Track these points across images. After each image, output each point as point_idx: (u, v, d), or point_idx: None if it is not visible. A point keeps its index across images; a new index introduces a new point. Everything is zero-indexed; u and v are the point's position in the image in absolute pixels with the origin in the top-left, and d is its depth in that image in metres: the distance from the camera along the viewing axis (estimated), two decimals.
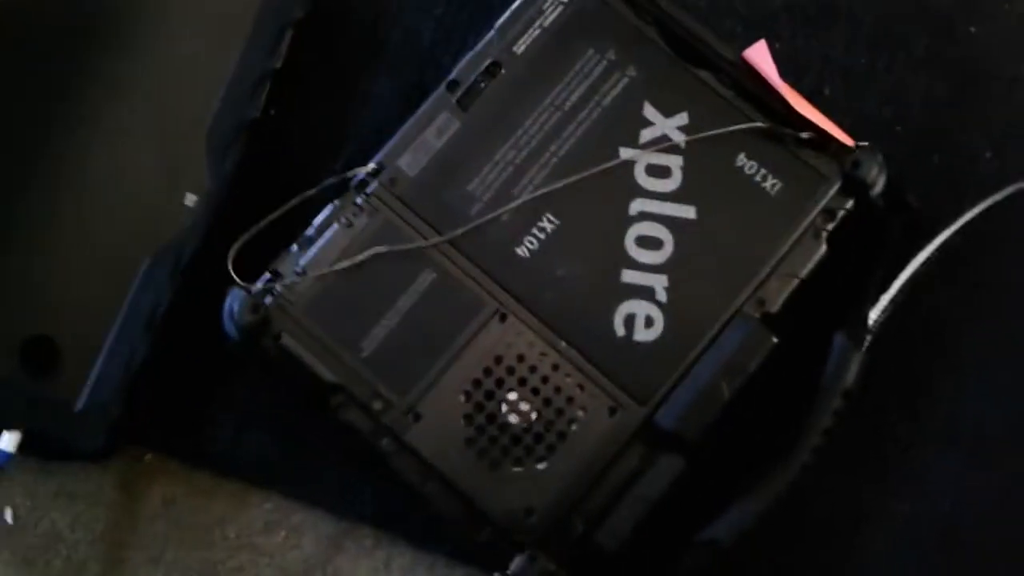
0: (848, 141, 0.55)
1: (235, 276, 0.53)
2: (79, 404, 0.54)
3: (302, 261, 0.53)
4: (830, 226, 0.54)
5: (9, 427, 0.55)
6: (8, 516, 0.58)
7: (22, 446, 0.55)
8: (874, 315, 0.53)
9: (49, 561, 0.58)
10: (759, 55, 0.55)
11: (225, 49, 0.58)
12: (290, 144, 0.62)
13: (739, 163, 0.55)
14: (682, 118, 0.55)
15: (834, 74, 0.62)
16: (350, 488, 0.59)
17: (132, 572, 0.58)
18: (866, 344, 0.53)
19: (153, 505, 0.59)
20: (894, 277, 0.54)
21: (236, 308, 0.52)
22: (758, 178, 0.54)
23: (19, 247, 0.56)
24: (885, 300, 0.54)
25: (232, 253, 0.53)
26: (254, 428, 0.59)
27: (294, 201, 0.55)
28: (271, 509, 0.59)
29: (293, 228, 0.55)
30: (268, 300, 0.53)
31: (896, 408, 0.58)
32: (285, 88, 0.60)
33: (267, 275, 0.54)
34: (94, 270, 0.56)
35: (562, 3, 0.56)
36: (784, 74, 0.56)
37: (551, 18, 0.56)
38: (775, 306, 0.54)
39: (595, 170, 0.54)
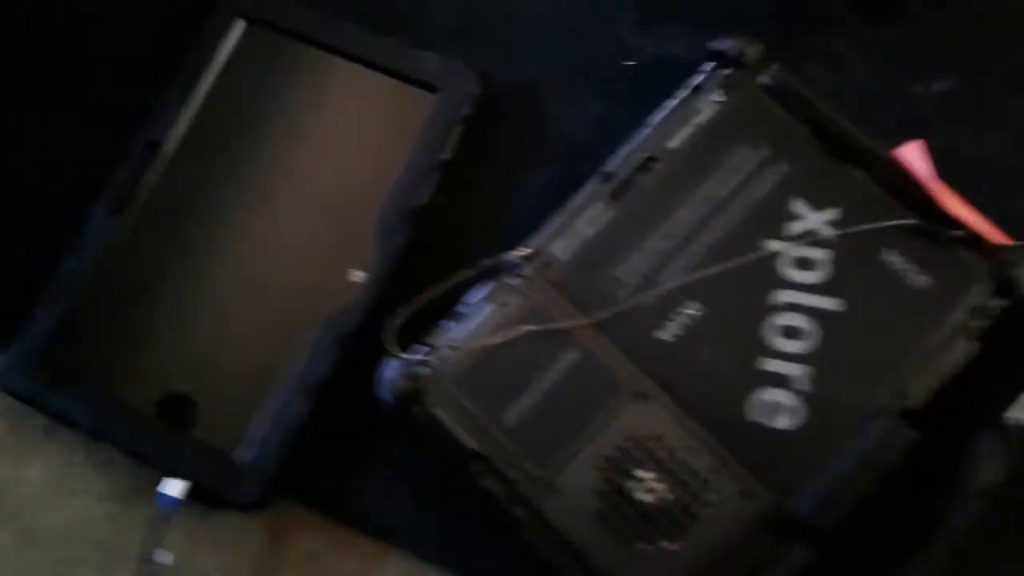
0: (1002, 240, 0.54)
1: (392, 346, 0.57)
2: (240, 456, 0.59)
3: (455, 336, 0.57)
4: (979, 324, 0.54)
5: (175, 474, 0.60)
6: (168, 558, 0.62)
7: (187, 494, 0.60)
8: (1020, 414, 0.51)
9: None
10: (912, 154, 0.56)
11: (400, 141, 0.64)
12: (450, 228, 0.65)
13: (888, 258, 0.55)
14: (832, 213, 0.56)
15: (990, 171, 0.62)
16: (484, 553, 0.60)
17: None
18: (1012, 444, 0.51)
19: (297, 557, 0.62)
20: None
21: (391, 376, 0.56)
22: (908, 273, 0.54)
23: (194, 311, 0.63)
24: None
25: (393, 324, 0.57)
26: (397, 492, 0.62)
27: (453, 280, 0.59)
28: (407, 571, 0.61)
29: (446, 306, 0.59)
30: (421, 370, 0.56)
31: None
32: (450, 177, 0.64)
33: (421, 347, 0.57)
34: (264, 335, 0.62)
35: (718, 102, 0.58)
36: (940, 170, 0.56)
37: (707, 116, 0.58)
38: (917, 401, 0.53)
39: (741, 261, 0.56)
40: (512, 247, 0.62)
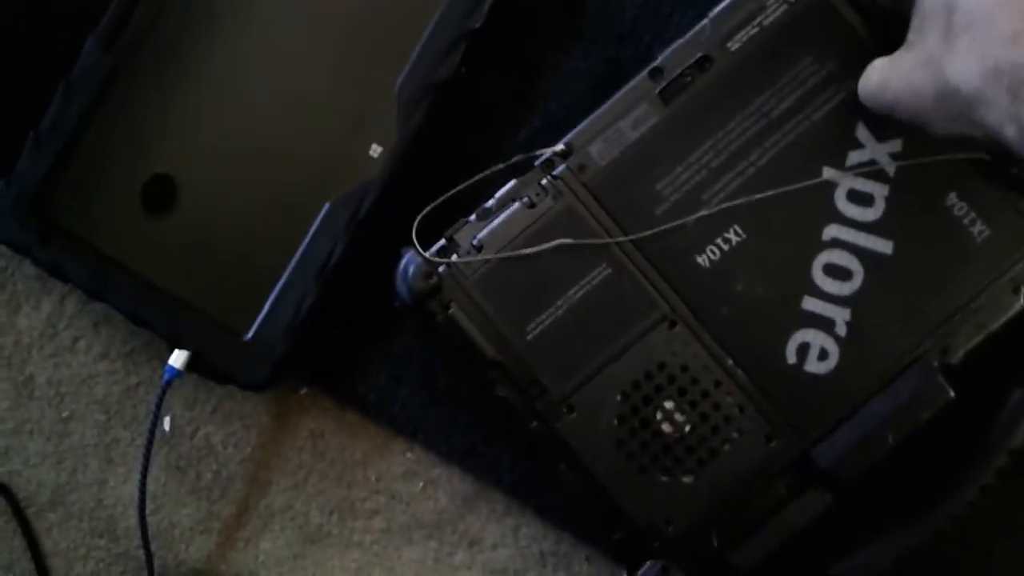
0: None
1: (415, 240, 0.54)
2: (248, 335, 0.57)
3: (479, 235, 0.54)
4: None
5: (180, 346, 0.58)
6: (166, 425, 0.62)
7: (189, 365, 0.58)
8: None
9: (200, 473, 0.62)
10: None
11: (427, 5, 0.58)
12: (476, 106, 0.62)
13: (949, 202, 0.53)
14: (896, 145, 0.53)
15: None
16: (490, 453, 0.61)
17: (274, 495, 0.62)
18: None
19: (302, 436, 0.62)
20: None
21: (410, 271, 0.53)
22: (966, 221, 0.52)
23: (211, 183, 0.58)
24: None
25: (416, 222, 0.54)
26: (407, 380, 0.61)
27: (480, 175, 0.55)
28: (412, 459, 0.62)
29: (470, 194, 0.56)
30: (442, 269, 0.53)
31: None
32: (479, 49, 0.59)
33: (443, 242, 0.54)
34: (277, 208, 0.58)
35: (788, 2, 0.54)
36: None
37: (773, 17, 0.54)
38: (957, 357, 0.52)
39: (794, 187, 0.53)
40: (542, 136, 0.59)
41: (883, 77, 0.49)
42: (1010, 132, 0.42)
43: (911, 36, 0.49)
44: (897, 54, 0.49)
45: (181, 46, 0.59)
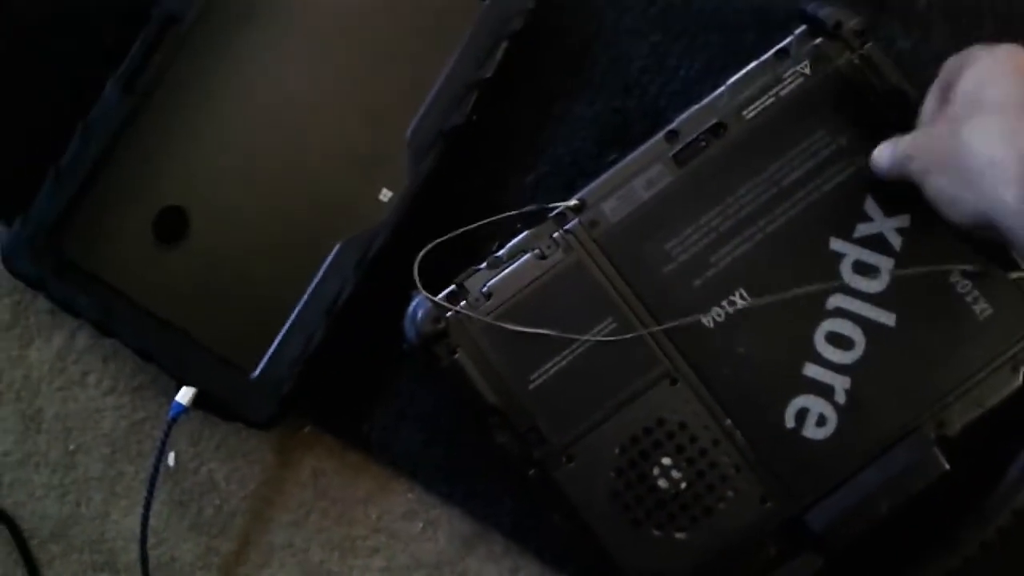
0: None
1: (419, 282, 0.55)
2: (255, 373, 0.59)
3: (490, 283, 0.55)
4: None
5: (187, 383, 0.59)
6: (171, 460, 0.63)
7: (195, 402, 0.59)
8: None
9: (202, 508, 0.63)
10: None
11: (440, 54, 0.60)
12: (485, 150, 0.63)
13: (953, 279, 0.53)
14: (903, 220, 0.54)
15: None
16: (491, 495, 0.62)
17: (275, 531, 0.63)
18: None
19: (304, 474, 0.63)
20: None
21: (419, 315, 0.55)
22: (969, 299, 0.54)
23: (223, 221, 0.60)
24: None
25: (419, 258, 0.55)
26: (410, 422, 0.62)
27: (491, 219, 0.57)
28: (412, 499, 0.63)
29: (477, 238, 0.57)
30: (450, 313, 0.54)
31: None
32: (489, 98, 0.61)
33: (453, 287, 0.56)
34: (287, 248, 0.59)
35: (803, 75, 0.55)
36: None
37: (788, 88, 0.56)
38: (954, 431, 0.53)
39: (804, 259, 0.54)
40: (548, 180, 0.62)
41: (906, 146, 0.51)
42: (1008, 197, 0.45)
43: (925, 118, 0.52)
44: (921, 129, 0.51)
45: (199, 87, 0.60)
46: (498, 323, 0.55)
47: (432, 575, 0.62)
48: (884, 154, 0.53)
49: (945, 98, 0.51)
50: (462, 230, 0.57)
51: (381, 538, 0.62)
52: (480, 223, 0.57)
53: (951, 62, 0.52)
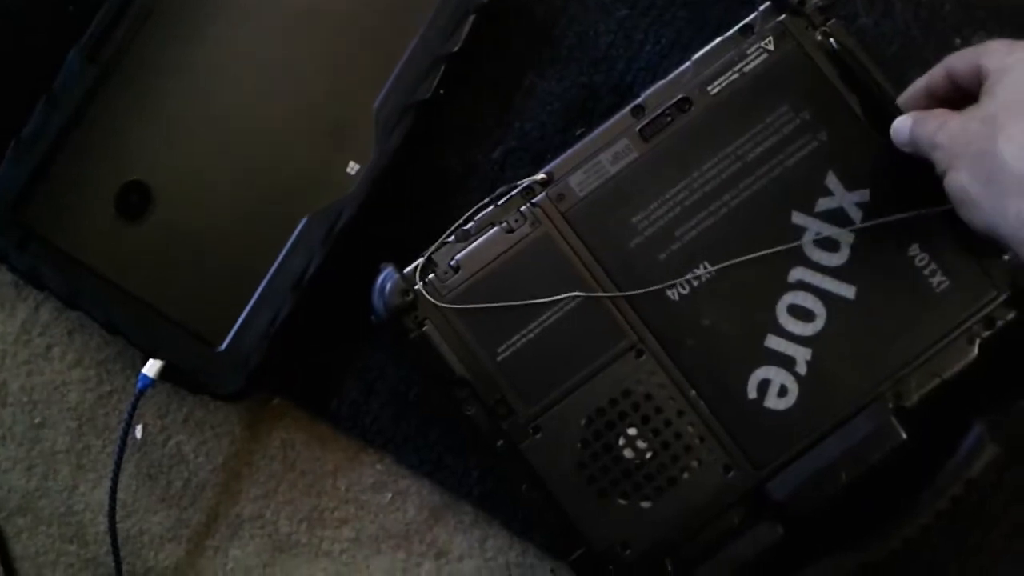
0: None
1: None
2: (222, 346, 0.60)
3: (458, 256, 0.56)
4: (986, 334, 0.55)
5: (154, 356, 0.60)
6: (138, 433, 0.64)
7: (162, 374, 0.60)
8: None
9: (171, 480, 0.64)
10: None
11: (406, 27, 0.61)
12: (452, 124, 0.64)
13: (911, 252, 0.55)
14: (864, 195, 0.56)
15: None
16: (459, 465, 0.63)
17: (244, 503, 0.64)
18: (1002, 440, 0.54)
19: (273, 446, 0.64)
20: None
21: (388, 287, 0.56)
22: (927, 272, 0.55)
23: (188, 194, 0.60)
24: None
25: (420, 262, 0.56)
26: (378, 394, 0.63)
27: (470, 212, 0.57)
28: (381, 470, 0.64)
29: (444, 212, 0.58)
30: (418, 286, 0.55)
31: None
32: (456, 72, 0.62)
33: (421, 261, 0.57)
34: (254, 222, 0.60)
35: (767, 51, 0.57)
36: None
37: (752, 64, 0.57)
38: (911, 401, 0.55)
39: (766, 233, 0.56)
40: (516, 155, 0.63)
41: (944, 122, 0.51)
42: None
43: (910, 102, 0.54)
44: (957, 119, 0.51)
45: (162, 59, 0.61)
46: (463, 299, 0.56)
47: (401, 545, 0.63)
48: (902, 129, 0.53)
49: (958, 87, 0.52)
50: (450, 232, 0.57)
51: (350, 509, 0.63)
52: (461, 220, 0.57)
53: (964, 54, 0.52)
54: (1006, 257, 0.56)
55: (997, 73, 0.49)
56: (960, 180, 0.48)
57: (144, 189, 0.60)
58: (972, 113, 0.49)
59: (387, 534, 0.63)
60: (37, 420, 0.64)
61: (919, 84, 0.55)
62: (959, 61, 0.52)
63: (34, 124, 0.60)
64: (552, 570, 0.63)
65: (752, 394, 0.55)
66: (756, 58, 0.57)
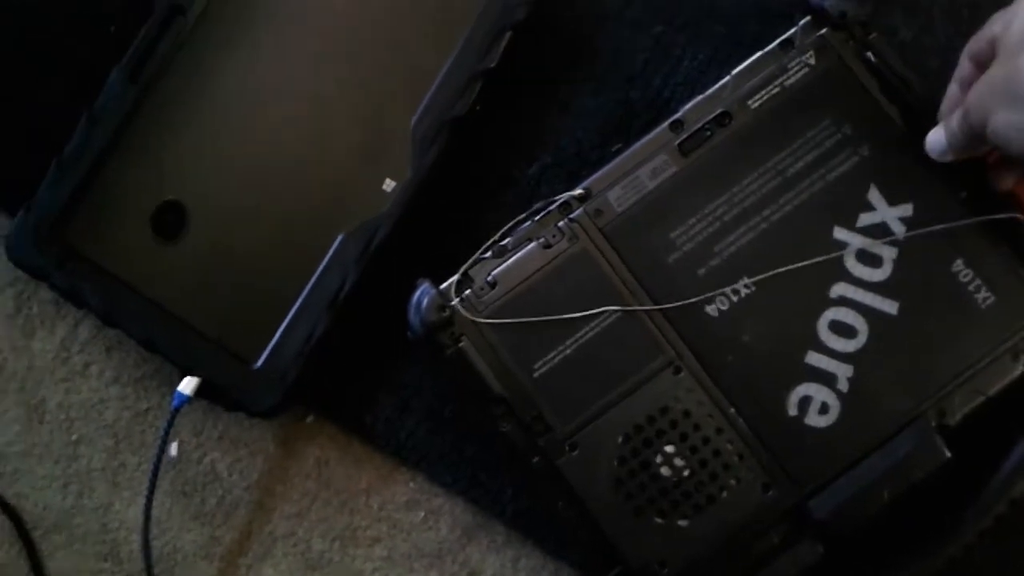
0: None
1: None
2: (258, 363, 0.60)
3: (494, 272, 0.56)
4: None
5: (191, 373, 0.60)
6: (173, 450, 0.64)
7: (198, 392, 0.60)
8: None
9: (204, 498, 0.64)
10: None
11: (444, 44, 0.61)
12: (489, 142, 0.64)
13: (955, 268, 0.55)
14: (906, 209, 0.55)
15: None
16: (493, 484, 0.63)
17: (278, 521, 0.64)
18: None
19: (307, 464, 0.64)
20: None
21: (424, 304, 0.56)
22: (971, 288, 0.55)
23: (224, 213, 0.61)
24: None
25: (456, 277, 0.56)
26: (413, 411, 0.63)
27: (507, 228, 0.57)
28: (415, 488, 0.64)
29: (481, 225, 0.59)
30: (455, 302, 0.55)
31: None
32: (493, 87, 0.62)
33: (458, 276, 0.57)
34: (291, 240, 0.60)
35: (808, 65, 0.57)
36: None
37: (794, 78, 0.57)
38: (955, 419, 0.54)
39: (807, 248, 0.55)
40: (552, 171, 0.63)
41: (959, 106, 0.52)
42: None
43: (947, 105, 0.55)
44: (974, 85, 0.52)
45: (201, 78, 0.61)
46: (500, 315, 0.56)
47: (433, 564, 0.63)
48: (937, 136, 0.54)
49: (987, 53, 0.52)
50: (486, 246, 0.57)
51: (383, 527, 0.63)
52: (499, 234, 0.57)
53: (978, 36, 0.53)
54: None
55: (1003, 27, 0.50)
56: (999, 121, 0.49)
57: (180, 209, 0.60)
58: (990, 70, 0.50)
59: (420, 553, 0.63)
60: (74, 437, 0.64)
61: (952, 87, 0.55)
62: (976, 43, 0.53)
63: (75, 143, 0.61)
64: None
65: (792, 411, 0.55)
66: (797, 72, 0.57)
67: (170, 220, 0.60)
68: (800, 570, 0.54)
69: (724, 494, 0.55)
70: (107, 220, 0.61)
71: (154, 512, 0.63)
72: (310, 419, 0.64)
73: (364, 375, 0.63)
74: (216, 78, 0.61)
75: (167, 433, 0.61)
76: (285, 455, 0.64)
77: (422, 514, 0.63)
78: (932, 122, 0.55)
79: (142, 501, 0.62)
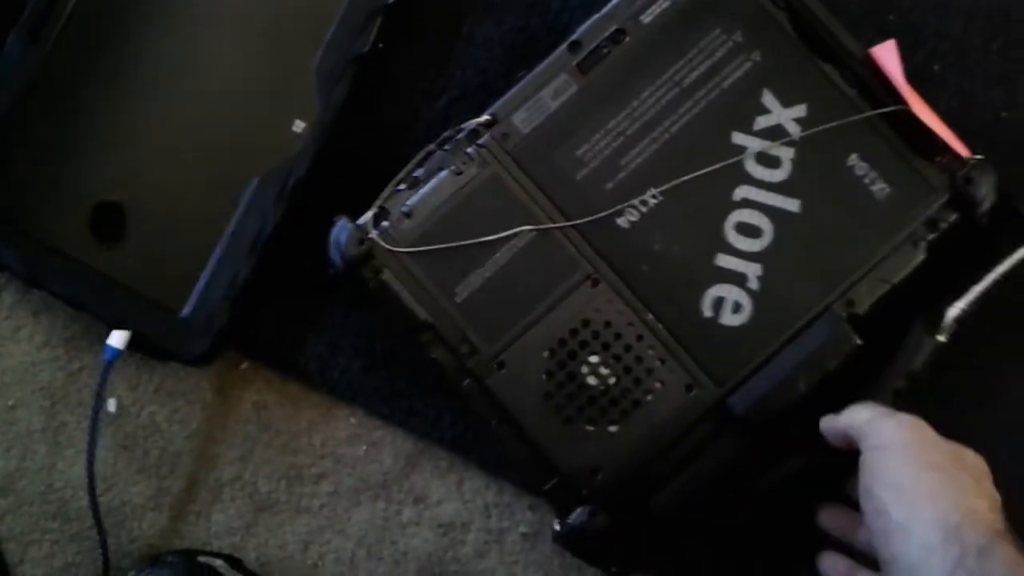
0: (964, 152, 0.56)
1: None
2: (185, 311, 0.60)
3: (409, 202, 0.57)
4: (931, 237, 0.57)
5: (120, 327, 0.61)
6: (111, 406, 0.65)
7: (130, 345, 0.61)
8: (962, 305, 0.56)
9: (147, 450, 0.65)
10: (887, 54, 0.57)
11: None
12: (394, 79, 0.65)
13: (851, 163, 0.57)
14: (800, 110, 0.57)
15: (947, 52, 0.64)
16: (430, 412, 0.64)
17: (222, 467, 0.65)
18: (945, 333, 0.56)
19: (245, 409, 0.65)
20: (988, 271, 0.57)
21: (343, 239, 0.57)
22: (867, 180, 0.57)
23: (133, 162, 0.61)
24: (975, 292, 0.57)
25: (372, 211, 0.57)
26: (345, 348, 0.64)
27: (418, 158, 0.59)
28: (355, 423, 0.65)
29: (393, 160, 0.59)
30: (373, 235, 0.56)
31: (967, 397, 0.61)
32: (394, 24, 0.63)
33: (374, 210, 0.58)
34: (205, 188, 0.61)
35: None
36: (899, 45, 0.58)
37: None
38: (863, 308, 0.57)
39: (708, 154, 0.57)
40: (460, 104, 0.64)
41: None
42: None
43: None
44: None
45: (105, 33, 0.61)
46: (418, 244, 0.57)
47: (380, 495, 0.64)
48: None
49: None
50: (398, 177, 0.58)
51: (327, 464, 0.64)
52: (411, 165, 0.58)
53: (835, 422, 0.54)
54: (938, 159, 0.58)
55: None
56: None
57: (92, 163, 0.61)
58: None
59: (365, 485, 0.64)
60: (11, 403, 0.65)
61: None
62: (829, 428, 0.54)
63: None
64: (530, 506, 0.64)
65: (708, 313, 0.57)
66: None
67: (82, 173, 0.61)
68: (725, 463, 0.56)
69: (649, 398, 0.57)
70: (23, 183, 0.61)
71: (99, 468, 0.63)
72: (244, 366, 0.65)
73: (293, 318, 0.64)
74: (119, 32, 0.61)
75: (102, 387, 0.62)
76: (223, 402, 0.65)
77: (364, 447, 0.65)
78: (819, 25, 0.57)
79: (85, 459, 0.62)
